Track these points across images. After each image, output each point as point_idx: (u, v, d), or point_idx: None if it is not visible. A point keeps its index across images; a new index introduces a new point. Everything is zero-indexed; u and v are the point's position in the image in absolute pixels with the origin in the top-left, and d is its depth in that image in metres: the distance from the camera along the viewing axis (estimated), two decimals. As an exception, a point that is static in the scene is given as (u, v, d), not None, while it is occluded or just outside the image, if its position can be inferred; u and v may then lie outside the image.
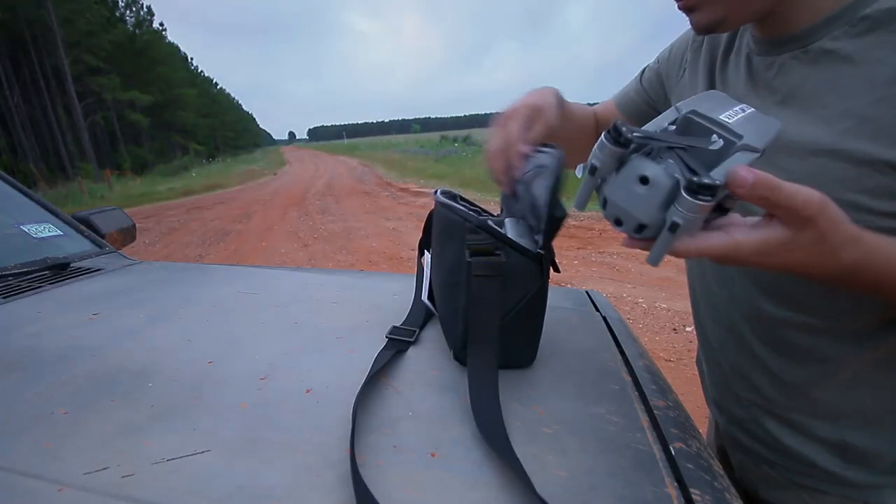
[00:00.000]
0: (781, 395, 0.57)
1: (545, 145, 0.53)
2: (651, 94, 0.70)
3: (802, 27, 0.45)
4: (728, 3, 0.45)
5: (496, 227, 0.50)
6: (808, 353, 0.53)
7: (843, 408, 0.53)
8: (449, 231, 0.54)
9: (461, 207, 0.54)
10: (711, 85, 0.58)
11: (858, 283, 0.40)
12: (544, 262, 0.50)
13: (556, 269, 0.52)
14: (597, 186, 0.37)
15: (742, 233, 0.35)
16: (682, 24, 0.68)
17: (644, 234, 0.34)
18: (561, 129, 0.57)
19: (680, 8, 0.48)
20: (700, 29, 0.48)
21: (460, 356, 0.54)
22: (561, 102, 0.59)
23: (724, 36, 0.57)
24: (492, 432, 0.41)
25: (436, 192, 0.60)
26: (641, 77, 0.71)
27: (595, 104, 0.78)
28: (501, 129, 0.52)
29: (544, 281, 0.51)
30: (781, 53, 0.48)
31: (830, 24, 0.44)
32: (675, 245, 0.34)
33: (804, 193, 0.33)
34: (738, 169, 0.32)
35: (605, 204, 0.36)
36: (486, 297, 0.48)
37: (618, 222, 0.35)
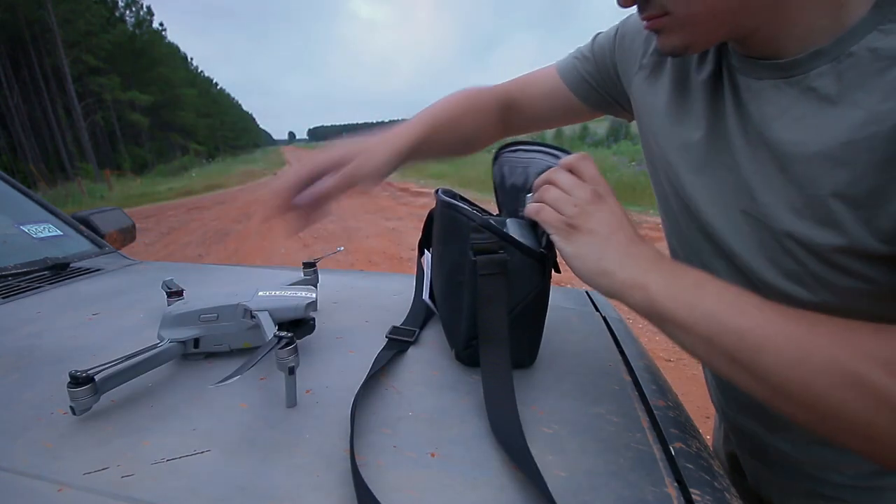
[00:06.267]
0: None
1: (554, 148, 0.54)
2: (598, 66, 0.63)
3: (787, 58, 0.41)
4: (691, 32, 0.41)
5: (498, 226, 0.50)
6: None
7: None
8: (452, 230, 0.54)
9: (464, 206, 0.54)
10: (680, 94, 0.52)
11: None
12: (547, 262, 0.50)
13: (557, 270, 0.52)
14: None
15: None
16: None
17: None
18: (426, 153, 0.60)
19: (646, 28, 0.45)
20: (665, 52, 0.45)
21: (462, 356, 0.54)
22: (416, 141, 0.56)
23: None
24: (507, 433, 0.41)
25: (437, 191, 0.60)
26: (594, 44, 0.63)
27: None
28: (291, 169, 0.50)
29: (546, 281, 0.51)
30: (761, 78, 0.43)
31: (817, 59, 0.39)
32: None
33: None
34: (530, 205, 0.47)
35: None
36: (493, 295, 0.47)
37: None
